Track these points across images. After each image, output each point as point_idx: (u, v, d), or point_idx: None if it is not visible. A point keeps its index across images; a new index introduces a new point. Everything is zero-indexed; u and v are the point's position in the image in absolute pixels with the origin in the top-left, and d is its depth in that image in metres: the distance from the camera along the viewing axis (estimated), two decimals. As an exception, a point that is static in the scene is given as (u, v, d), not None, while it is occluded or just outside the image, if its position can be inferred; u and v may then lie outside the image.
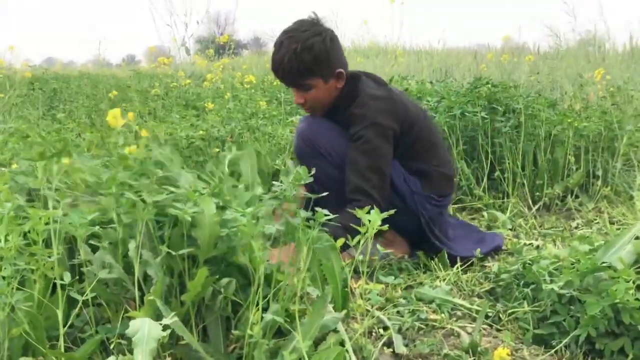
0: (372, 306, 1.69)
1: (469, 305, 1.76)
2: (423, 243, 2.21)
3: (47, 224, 1.38)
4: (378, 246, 1.66)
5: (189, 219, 1.32)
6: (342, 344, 1.39)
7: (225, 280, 1.35)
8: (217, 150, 2.65)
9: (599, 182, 3.07)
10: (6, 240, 1.32)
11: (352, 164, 2.06)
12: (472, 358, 1.42)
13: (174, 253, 1.31)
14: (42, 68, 8.18)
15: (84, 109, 4.69)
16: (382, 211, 1.32)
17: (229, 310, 1.36)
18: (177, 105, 4.29)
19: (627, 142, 3.18)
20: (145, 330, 1.00)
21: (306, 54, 2.03)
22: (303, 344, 1.24)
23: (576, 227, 2.70)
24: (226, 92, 4.09)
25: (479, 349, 1.45)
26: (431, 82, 3.79)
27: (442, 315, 1.69)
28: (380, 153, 2.06)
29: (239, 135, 2.95)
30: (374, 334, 1.60)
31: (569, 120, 3.10)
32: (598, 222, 2.73)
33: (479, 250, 2.14)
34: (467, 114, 3.04)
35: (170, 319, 1.11)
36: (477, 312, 1.72)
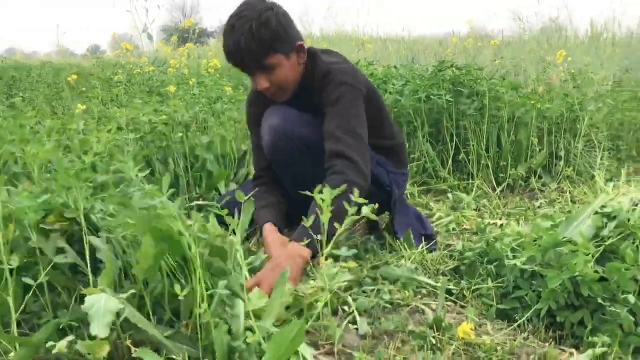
0: (339, 288, 1.68)
1: (433, 284, 1.76)
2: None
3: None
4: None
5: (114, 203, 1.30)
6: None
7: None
8: (181, 135, 2.60)
9: (562, 163, 3.12)
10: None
11: (327, 131, 1.95)
12: (437, 334, 1.43)
13: (112, 235, 1.28)
14: (1, 57, 7.95)
15: (44, 97, 4.57)
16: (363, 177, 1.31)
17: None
18: (140, 92, 4.21)
19: (588, 123, 3.23)
20: (101, 304, 0.98)
21: (264, 31, 1.87)
22: (265, 322, 1.22)
23: (539, 207, 2.73)
24: (191, 78, 4.03)
25: (443, 324, 1.45)
26: (396, 67, 3.79)
27: (407, 293, 1.69)
28: (359, 115, 1.97)
29: (204, 120, 2.90)
30: (339, 314, 1.59)
31: (532, 103, 3.13)
32: (560, 202, 2.78)
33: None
34: (432, 97, 3.05)
35: (124, 295, 1.08)
36: (442, 290, 1.72)
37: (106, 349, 1.13)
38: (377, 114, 2.14)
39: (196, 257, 1.15)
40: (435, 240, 2.16)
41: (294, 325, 1.11)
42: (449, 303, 1.67)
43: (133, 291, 1.09)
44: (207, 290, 1.17)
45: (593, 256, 1.52)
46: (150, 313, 1.28)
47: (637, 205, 1.76)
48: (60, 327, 1.28)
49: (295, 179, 2.08)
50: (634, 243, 1.58)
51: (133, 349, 1.18)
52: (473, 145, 3.02)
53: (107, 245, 1.30)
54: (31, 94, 5.04)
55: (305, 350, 1.30)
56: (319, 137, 1.98)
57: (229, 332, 1.26)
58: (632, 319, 1.40)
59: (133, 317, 1.10)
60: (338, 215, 1.56)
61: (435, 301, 1.67)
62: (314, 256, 1.75)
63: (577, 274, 1.46)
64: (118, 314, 1.09)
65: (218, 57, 6.24)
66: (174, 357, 1.20)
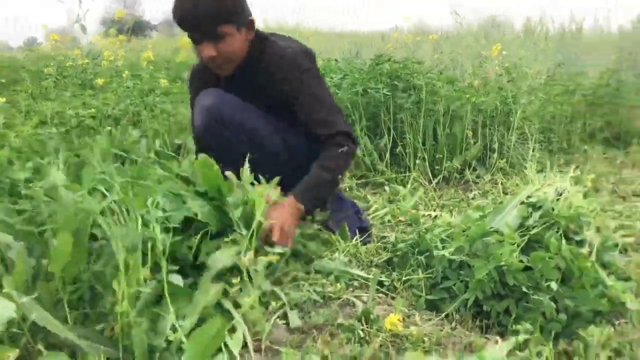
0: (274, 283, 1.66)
1: (365, 276, 1.76)
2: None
3: None
4: None
5: (41, 195, 1.23)
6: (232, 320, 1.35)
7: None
8: (109, 128, 2.51)
9: (495, 155, 3.19)
10: None
11: (315, 119, 1.99)
12: (365, 326, 1.42)
13: (27, 229, 1.22)
14: None
15: (-34, 90, 4.34)
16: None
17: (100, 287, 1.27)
18: (72, 85, 4.05)
19: (521, 116, 3.31)
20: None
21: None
22: (186, 321, 1.18)
23: (473, 198, 2.78)
24: (124, 71, 3.90)
25: (371, 317, 1.45)
26: (336, 60, 3.79)
27: (339, 286, 1.68)
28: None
29: (136, 113, 2.82)
30: (270, 308, 1.57)
31: (467, 96, 3.19)
32: (493, 193, 2.83)
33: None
34: (369, 90, 3.06)
35: (26, 298, 1.03)
36: (374, 282, 1.72)
37: (15, 353, 1.07)
38: None
39: (119, 255, 1.10)
40: (369, 232, 2.17)
41: (214, 322, 1.08)
42: (380, 295, 1.67)
43: (35, 294, 1.03)
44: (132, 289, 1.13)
45: (518, 245, 1.55)
46: (68, 314, 1.23)
47: (561, 195, 1.81)
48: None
49: (225, 159, 2.00)
50: (557, 232, 1.62)
51: (45, 352, 1.12)
52: (409, 138, 3.05)
53: (20, 243, 1.23)
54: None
55: (231, 346, 1.27)
56: (258, 126, 1.99)
57: (154, 330, 1.22)
58: (554, 305, 1.43)
59: (41, 319, 1.05)
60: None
61: (366, 293, 1.67)
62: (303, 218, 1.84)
63: (502, 263, 1.48)
64: (24, 317, 1.03)
65: (155, 50, 6.10)
66: (90, 358, 1.15)
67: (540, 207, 1.70)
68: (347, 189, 2.90)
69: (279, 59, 1.98)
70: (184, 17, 1.87)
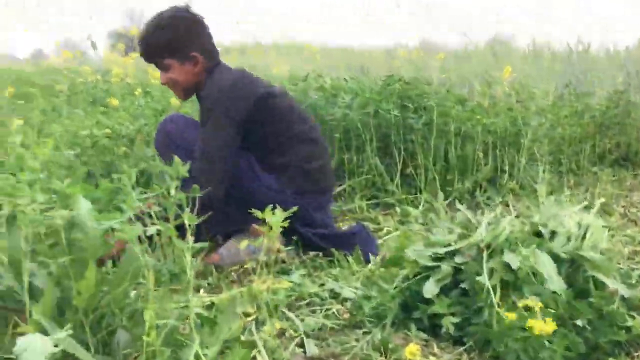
0: (282, 306, 1.67)
1: (384, 303, 1.76)
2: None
3: None
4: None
5: (60, 222, 1.24)
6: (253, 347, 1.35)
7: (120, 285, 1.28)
8: (124, 149, 2.53)
9: (506, 177, 3.20)
10: None
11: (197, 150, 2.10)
12: (383, 356, 1.42)
13: (51, 261, 1.22)
14: None
15: (-21, 105, 4.37)
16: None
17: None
18: (83, 102, 4.08)
19: (531, 137, 3.33)
20: (35, 348, 0.92)
21: (158, 35, 2.15)
22: (210, 350, 1.19)
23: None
24: (136, 88, 3.93)
25: (390, 346, 1.45)
26: (346, 79, 3.81)
27: (356, 313, 1.68)
28: (215, 142, 2.09)
29: (148, 133, 2.83)
30: (286, 335, 1.57)
31: (477, 117, 3.20)
32: (505, 215, 2.83)
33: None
34: (380, 111, 3.08)
35: (62, 333, 1.03)
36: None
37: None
38: (269, 134, 2.18)
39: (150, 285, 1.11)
40: (383, 255, 2.18)
41: (238, 352, 1.08)
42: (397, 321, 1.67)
43: (70, 332, 1.03)
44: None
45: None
46: (90, 343, 1.23)
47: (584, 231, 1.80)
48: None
49: None
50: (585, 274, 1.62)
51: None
52: (421, 159, 3.06)
53: (44, 271, 1.24)
54: (-36, 102, 4.82)
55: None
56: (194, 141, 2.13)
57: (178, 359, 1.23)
58: (580, 340, 1.43)
59: (72, 348, 1.05)
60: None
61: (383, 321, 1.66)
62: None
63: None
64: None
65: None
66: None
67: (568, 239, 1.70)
68: (358, 210, 2.91)
69: (207, 89, 2.17)
70: (140, 50, 2.24)
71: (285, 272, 2.03)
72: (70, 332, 1.04)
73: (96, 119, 2.90)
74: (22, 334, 1.05)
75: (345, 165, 3.07)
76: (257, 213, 1.30)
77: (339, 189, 3.05)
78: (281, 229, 1.38)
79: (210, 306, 1.69)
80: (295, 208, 1.43)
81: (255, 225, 2.12)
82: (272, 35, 10.92)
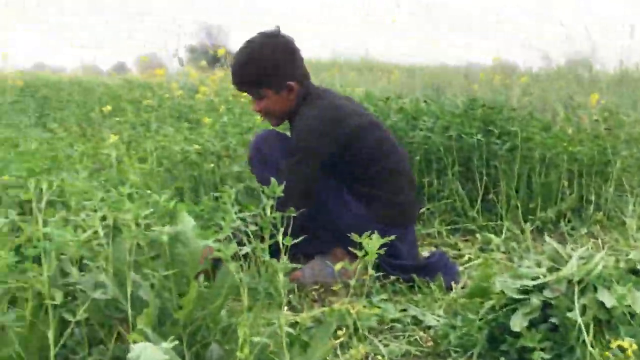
0: (368, 330, 1.67)
1: (470, 333, 1.73)
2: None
3: (38, 240, 1.35)
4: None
5: (165, 238, 1.29)
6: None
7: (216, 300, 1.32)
8: (212, 165, 2.62)
9: (592, 207, 3.08)
10: (-3, 256, 1.29)
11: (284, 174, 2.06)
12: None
13: (155, 274, 1.28)
14: (32, 73, 8.12)
15: (74, 117, 4.65)
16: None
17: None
18: (169, 117, 4.26)
19: (620, 167, 3.20)
20: (147, 356, 0.97)
21: (252, 66, 2.12)
22: (301, 372, 1.21)
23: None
24: (220, 106, 4.07)
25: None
26: (425, 102, 3.79)
27: (440, 342, 1.66)
28: (297, 176, 2.05)
29: (234, 150, 2.92)
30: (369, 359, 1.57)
31: (563, 144, 3.11)
32: (592, 247, 2.73)
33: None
34: (463, 135, 3.04)
35: (167, 344, 1.08)
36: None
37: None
38: (360, 166, 2.17)
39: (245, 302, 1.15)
40: (464, 283, 2.16)
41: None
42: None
43: (176, 343, 1.08)
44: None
45: None
46: (186, 356, 1.28)
47: None
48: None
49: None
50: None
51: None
52: (503, 186, 3.00)
53: (147, 282, 1.30)
54: (61, 114, 5.13)
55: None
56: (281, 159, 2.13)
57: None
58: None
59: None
60: None
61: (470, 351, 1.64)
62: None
63: None
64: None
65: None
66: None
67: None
68: (437, 234, 2.88)
69: (298, 121, 2.15)
70: (232, 81, 2.23)
71: (366, 295, 2.03)
72: (175, 343, 1.08)
73: (184, 135, 3.02)
74: (126, 342, 1.11)
75: (425, 189, 3.05)
76: (355, 237, 1.31)
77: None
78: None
79: (294, 324, 1.72)
80: (391, 237, 1.42)
81: (339, 250, 2.14)
82: (344, 53, 10.95)
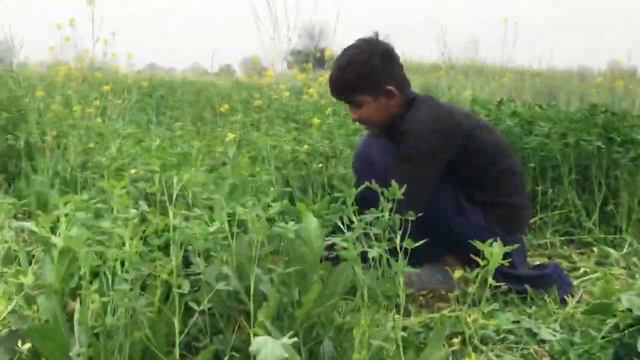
0: (481, 341, 1.63)
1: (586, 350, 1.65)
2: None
3: (166, 231, 1.43)
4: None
5: (292, 235, 1.32)
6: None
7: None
8: (321, 165, 2.66)
9: None
10: (130, 245, 1.37)
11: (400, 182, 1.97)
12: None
13: (280, 270, 1.31)
14: (148, 74, 8.62)
15: (189, 116, 4.88)
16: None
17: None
18: (277, 118, 4.36)
19: None
20: (268, 350, 1.00)
21: (350, 72, 2.08)
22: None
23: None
24: (326, 107, 4.12)
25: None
26: (540, 106, 3.64)
27: (557, 357, 1.59)
28: (416, 182, 1.90)
29: (341, 151, 2.95)
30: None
31: (695, 154, 2.87)
32: None
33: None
34: (582, 142, 2.89)
35: (287, 339, 1.11)
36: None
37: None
38: (476, 169, 2.08)
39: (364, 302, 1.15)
40: (579, 297, 2.06)
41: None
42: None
43: (295, 339, 1.10)
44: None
45: None
46: (302, 351, 1.31)
47: None
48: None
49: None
50: None
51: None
52: (625, 197, 2.82)
53: (267, 277, 1.35)
54: (176, 112, 5.41)
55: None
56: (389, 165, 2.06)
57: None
58: None
59: (292, 356, 1.12)
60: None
61: (588, 369, 1.55)
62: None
63: None
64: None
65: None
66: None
67: None
68: (549, 245, 2.75)
69: (407, 124, 2.06)
70: (330, 89, 2.19)
71: (476, 304, 1.98)
72: (295, 340, 1.11)
73: (293, 136, 3.09)
74: (245, 334, 1.15)
75: (539, 197, 2.92)
76: (478, 244, 1.28)
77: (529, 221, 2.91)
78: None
79: (404, 329, 1.71)
80: (515, 246, 1.38)
81: (450, 256, 2.11)
82: (457, 56, 10.72)
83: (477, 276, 1.36)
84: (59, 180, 2.60)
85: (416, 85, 7.89)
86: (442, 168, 2.04)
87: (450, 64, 10.95)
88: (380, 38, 2.17)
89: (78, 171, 2.56)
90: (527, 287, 2.07)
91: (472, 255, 1.38)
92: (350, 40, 2.18)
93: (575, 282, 2.28)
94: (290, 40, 5.40)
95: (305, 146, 2.71)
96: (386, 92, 2.10)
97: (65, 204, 1.53)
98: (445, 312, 1.90)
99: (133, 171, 2.06)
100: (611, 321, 1.66)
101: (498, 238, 1.71)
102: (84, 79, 4.94)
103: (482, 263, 1.32)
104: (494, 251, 1.23)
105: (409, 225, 1.51)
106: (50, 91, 4.33)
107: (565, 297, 2.07)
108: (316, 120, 3.03)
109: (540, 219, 2.91)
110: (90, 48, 5.12)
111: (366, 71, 2.07)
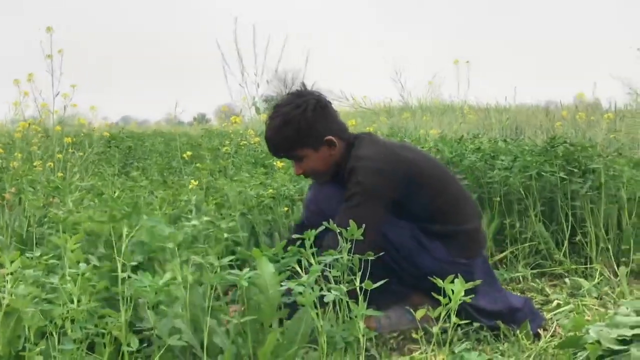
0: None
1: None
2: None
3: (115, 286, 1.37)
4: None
5: (245, 283, 1.27)
6: None
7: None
8: (286, 209, 2.62)
9: (694, 249, 2.83)
10: (78, 301, 1.31)
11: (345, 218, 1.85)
12: None
13: (236, 321, 1.26)
14: (119, 126, 8.58)
15: (156, 166, 4.82)
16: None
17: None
18: (246, 163, 4.33)
19: None
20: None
21: (288, 129, 2.05)
22: None
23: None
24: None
25: None
26: (505, 140, 3.67)
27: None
28: (360, 218, 1.75)
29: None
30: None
31: (655, 182, 2.91)
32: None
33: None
34: (544, 174, 2.91)
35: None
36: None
37: None
38: (426, 200, 2.07)
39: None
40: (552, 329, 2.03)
41: None
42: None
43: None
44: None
45: None
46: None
47: None
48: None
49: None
50: None
51: None
52: (590, 226, 2.82)
53: (222, 329, 1.29)
54: (144, 163, 5.35)
55: None
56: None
57: None
58: None
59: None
60: None
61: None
62: None
63: None
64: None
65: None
66: None
67: None
68: (521, 279, 2.73)
69: (351, 164, 2.04)
70: (269, 148, 2.17)
71: (448, 343, 1.93)
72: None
73: (260, 180, 3.05)
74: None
75: (507, 230, 2.92)
76: (438, 282, 1.25)
77: (500, 255, 2.89)
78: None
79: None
80: (478, 281, 1.35)
81: (416, 295, 2.07)
82: (418, 97, 10.90)
83: (439, 315, 1.32)
84: (15, 237, 2.51)
85: (384, 126, 7.99)
86: (386, 202, 2.02)
87: (420, 105, 11.13)
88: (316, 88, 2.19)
89: (35, 227, 2.48)
90: (499, 323, 2.03)
91: (433, 294, 1.34)
92: (322, 87, 2.18)
93: (548, 315, 2.26)
94: (259, 85, 5.42)
95: (270, 190, 2.68)
96: (327, 142, 2.09)
97: (12, 262, 1.47)
98: (415, 354, 1.86)
99: (86, 223, 1.99)
100: (582, 354, 1.63)
101: (460, 271, 1.68)
102: (45, 134, 4.88)
103: (443, 301, 1.28)
104: (456, 288, 1.19)
105: (369, 264, 1.48)
106: (11, 148, 4.26)
107: (538, 330, 2.04)
108: (279, 164, 3.00)
109: (511, 252, 2.89)
110: (50, 103, 5.06)
111: (304, 126, 2.05)
